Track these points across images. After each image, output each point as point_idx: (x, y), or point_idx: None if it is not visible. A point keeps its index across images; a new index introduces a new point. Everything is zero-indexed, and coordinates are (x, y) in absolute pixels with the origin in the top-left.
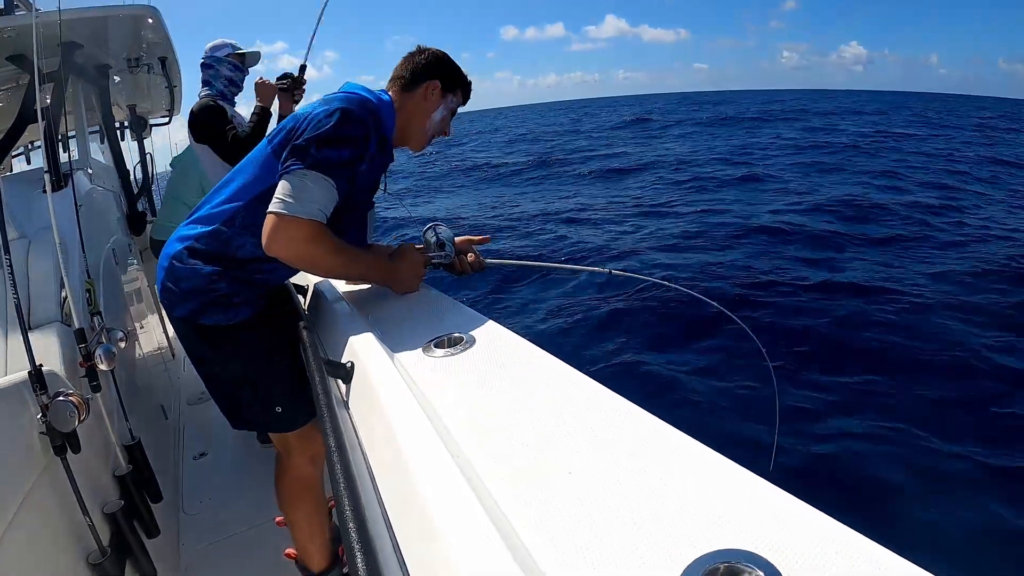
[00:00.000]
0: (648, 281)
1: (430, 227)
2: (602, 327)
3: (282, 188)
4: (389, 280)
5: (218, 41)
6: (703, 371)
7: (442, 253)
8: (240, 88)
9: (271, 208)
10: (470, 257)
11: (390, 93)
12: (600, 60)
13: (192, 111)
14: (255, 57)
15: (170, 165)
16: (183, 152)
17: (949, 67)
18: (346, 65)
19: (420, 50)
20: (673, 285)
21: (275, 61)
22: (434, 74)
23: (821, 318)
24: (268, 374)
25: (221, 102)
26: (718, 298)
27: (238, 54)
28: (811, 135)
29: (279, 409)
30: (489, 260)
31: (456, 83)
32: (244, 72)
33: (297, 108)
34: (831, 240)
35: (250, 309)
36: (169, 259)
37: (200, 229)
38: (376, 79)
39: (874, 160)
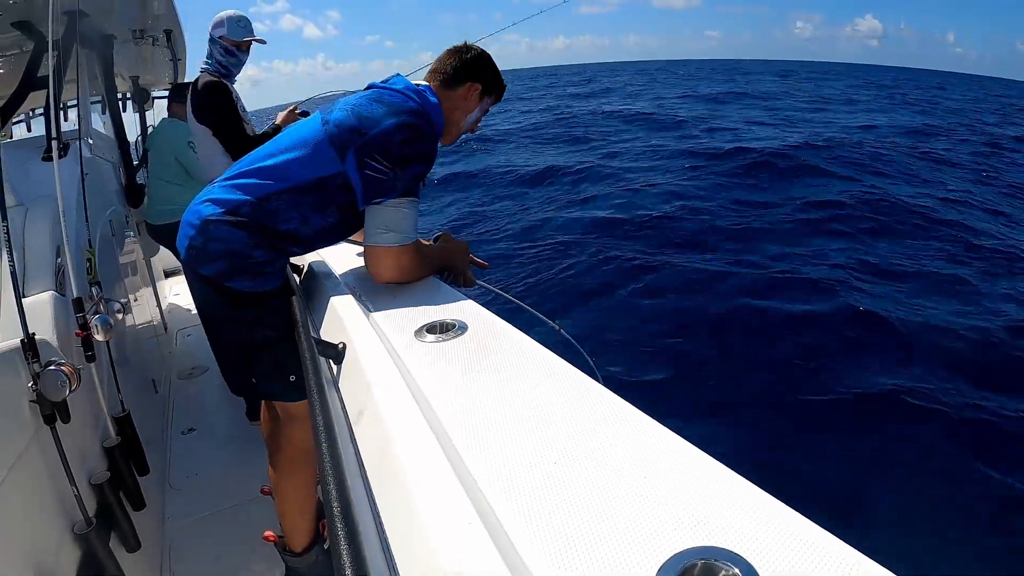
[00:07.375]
0: (581, 354)
1: (441, 236)
2: None
3: (383, 220)
4: (448, 264)
5: (220, 16)
6: None
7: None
8: (231, 72)
9: (377, 241)
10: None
11: (432, 87)
12: (610, 24)
13: (196, 89)
14: (260, 43)
15: (146, 147)
16: (157, 129)
17: (966, 46)
18: (350, 26)
19: (467, 47)
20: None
21: (277, 21)
22: (477, 75)
23: None
24: (289, 342)
25: (226, 81)
26: None
27: (234, 41)
28: None
29: (293, 378)
30: (479, 281)
31: (495, 86)
32: (238, 58)
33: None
34: None
35: (279, 279)
36: (202, 218)
37: (241, 196)
38: (380, 38)
39: None
